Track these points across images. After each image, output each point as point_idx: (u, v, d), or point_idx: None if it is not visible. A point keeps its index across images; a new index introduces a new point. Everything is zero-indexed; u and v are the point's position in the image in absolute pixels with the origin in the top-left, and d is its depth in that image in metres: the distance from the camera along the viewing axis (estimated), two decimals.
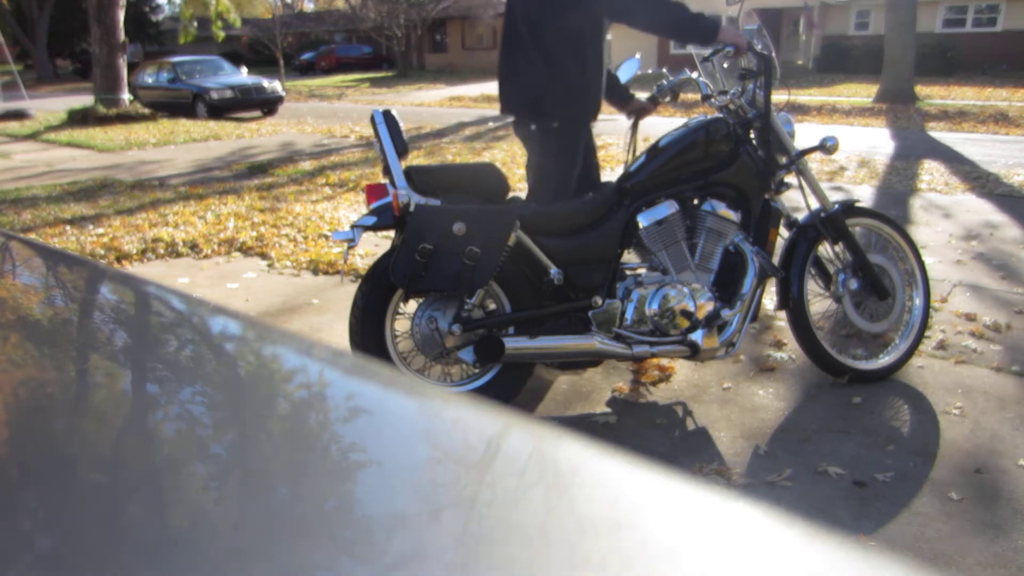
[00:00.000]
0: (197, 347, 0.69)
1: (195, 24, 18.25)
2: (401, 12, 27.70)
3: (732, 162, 2.50)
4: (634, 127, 2.95)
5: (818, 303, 2.80)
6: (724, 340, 2.44)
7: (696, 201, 2.53)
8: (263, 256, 4.47)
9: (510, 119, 2.95)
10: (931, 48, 19.46)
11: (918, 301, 2.78)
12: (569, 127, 2.80)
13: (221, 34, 17.67)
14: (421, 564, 0.37)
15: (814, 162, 7.07)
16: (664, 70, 2.82)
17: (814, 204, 2.66)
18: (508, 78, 2.85)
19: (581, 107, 2.81)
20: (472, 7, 27.86)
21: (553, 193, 2.77)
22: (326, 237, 4.80)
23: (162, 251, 4.60)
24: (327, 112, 15.14)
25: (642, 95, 3.05)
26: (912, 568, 0.38)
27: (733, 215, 2.49)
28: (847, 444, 2.30)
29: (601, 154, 7.74)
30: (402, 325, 2.47)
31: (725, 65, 2.63)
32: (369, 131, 10.46)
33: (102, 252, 4.57)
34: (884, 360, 2.73)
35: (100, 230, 5.17)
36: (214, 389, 0.59)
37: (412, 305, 2.46)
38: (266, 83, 14.97)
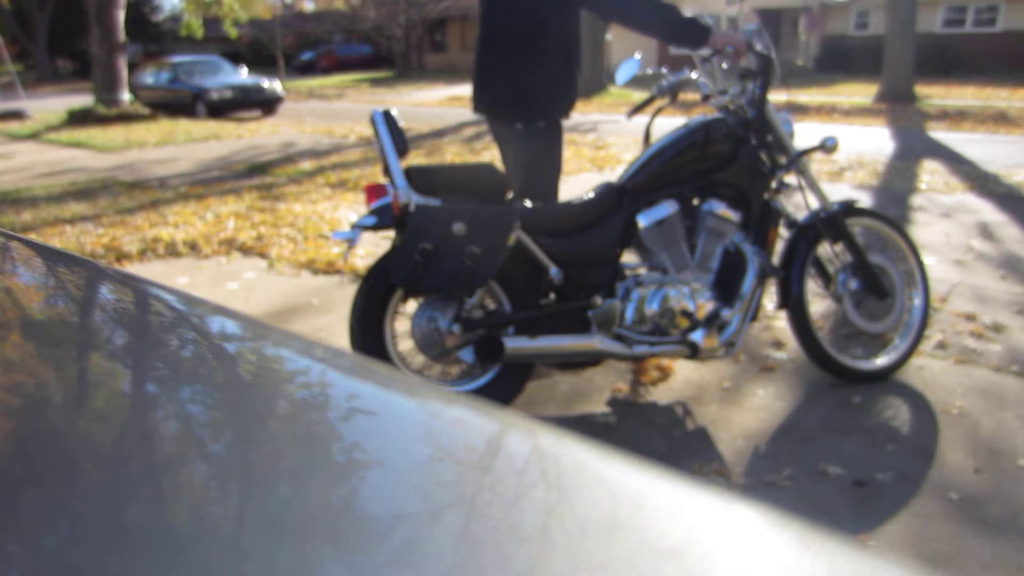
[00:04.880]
0: (197, 347, 0.69)
1: (201, 21, 18.22)
2: (401, 12, 27.71)
3: (732, 162, 2.50)
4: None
5: (818, 303, 2.80)
6: (724, 340, 2.44)
7: (696, 201, 2.53)
8: (263, 256, 4.47)
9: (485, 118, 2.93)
10: (931, 48, 19.46)
11: (918, 301, 2.78)
12: (554, 125, 2.81)
13: (234, 31, 17.63)
14: (421, 564, 0.37)
15: (814, 162, 7.07)
16: (664, 70, 2.82)
17: (814, 204, 2.66)
18: (490, 77, 2.82)
19: (567, 104, 2.84)
20: (472, 7, 27.66)
21: (543, 192, 2.76)
22: (326, 237, 4.80)
23: (162, 251, 4.60)
24: (327, 112, 15.13)
25: (643, 94, 3.05)
26: (912, 568, 0.38)
27: (733, 215, 2.49)
28: (847, 444, 2.30)
29: (601, 154, 7.79)
30: (402, 325, 2.47)
31: (725, 65, 2.63)
32: (369, 131, 10.46)
33: (102, 252, 4.57)
34: (884, 360, 2.73)
35: (100, 230, 5.17)
36: (214, 389, 0.59)
37: (412, 305, 2.46)
38: (265, 83, 14.98)
